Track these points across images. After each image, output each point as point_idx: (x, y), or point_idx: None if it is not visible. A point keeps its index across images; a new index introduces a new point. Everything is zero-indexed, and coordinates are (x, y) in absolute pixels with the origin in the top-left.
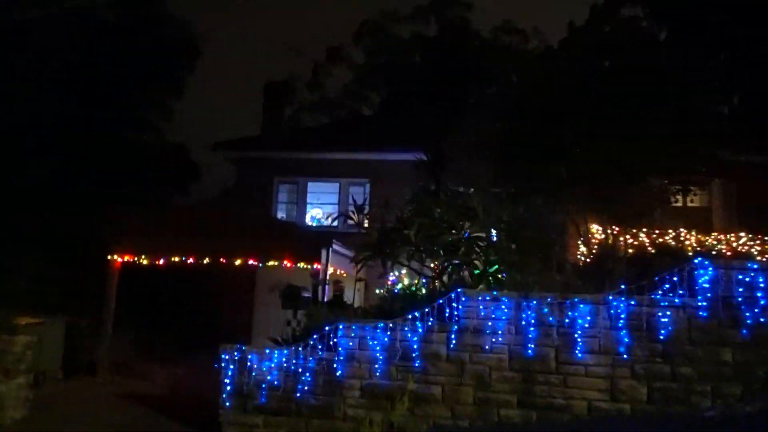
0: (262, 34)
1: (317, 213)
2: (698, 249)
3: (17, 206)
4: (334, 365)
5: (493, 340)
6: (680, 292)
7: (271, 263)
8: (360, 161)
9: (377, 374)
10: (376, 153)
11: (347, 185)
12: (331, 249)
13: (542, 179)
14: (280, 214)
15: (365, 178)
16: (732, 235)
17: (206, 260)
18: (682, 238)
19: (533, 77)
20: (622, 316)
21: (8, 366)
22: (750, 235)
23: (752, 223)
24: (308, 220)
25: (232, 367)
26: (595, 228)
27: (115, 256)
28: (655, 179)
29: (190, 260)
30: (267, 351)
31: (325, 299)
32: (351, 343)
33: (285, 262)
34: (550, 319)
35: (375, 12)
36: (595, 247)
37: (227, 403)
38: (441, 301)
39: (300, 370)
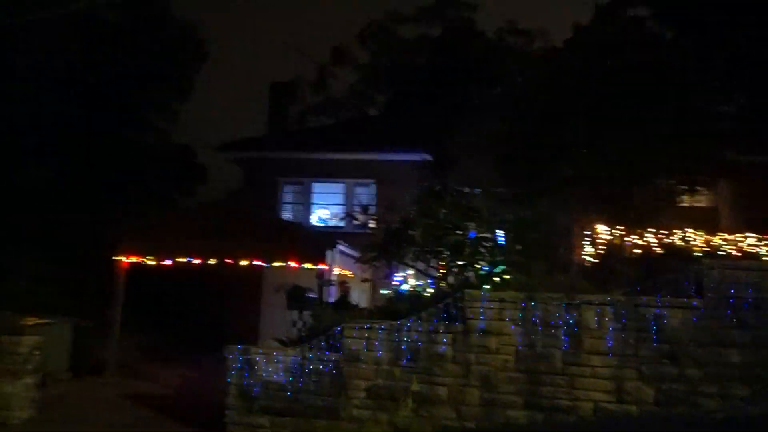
0: (267, 36)
1: (323, 214)
2: (705, 249)
3: (23, 207)
4: (340, 366)
5: (499, 341)
6: (687, 293)
7: (276, 264)
8: (365, 162)
9: (383, 375)
10: (381, 153)
11: (353, 186)
12: (336, 250)
13: (547, 180)
14: (286, 215)
15: (370, 179)
16: (739, 235)
17: (212, 261)
18: (688, 239)
19: (538, 78)
20: (629, 316)
21: (15, 366)
22: (757, 236)
23: (759, 224)
24: (314, 221)
25: (237, 367)
26: (600, 228)
27: (122, 257)
28: (661, 180)
29: (197, 261)
30: (273, 352)
31: (331, 300)
32: (356, 344)
33: (291, 263)
34: (556, 320)
35: (380, 13)
36: (601, 247)
37: (233, 404)
38: (446, 302)
39: (305, 370)
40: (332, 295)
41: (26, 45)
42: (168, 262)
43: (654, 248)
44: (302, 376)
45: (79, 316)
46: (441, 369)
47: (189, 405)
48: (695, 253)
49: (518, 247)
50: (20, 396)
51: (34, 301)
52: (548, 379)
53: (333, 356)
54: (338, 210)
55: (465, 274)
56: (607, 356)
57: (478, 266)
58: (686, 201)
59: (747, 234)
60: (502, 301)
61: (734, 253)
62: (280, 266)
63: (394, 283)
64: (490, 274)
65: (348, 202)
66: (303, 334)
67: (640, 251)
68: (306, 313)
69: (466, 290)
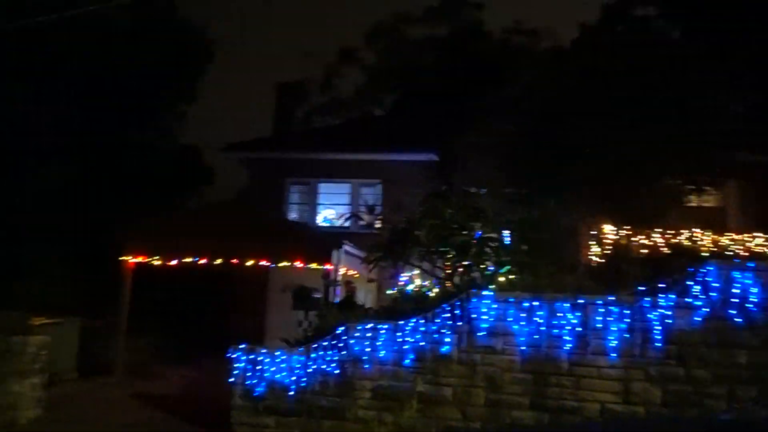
0: (274, 37)
1: (329, 214)
2: (713, 250)
3: (30, 208)
4: (345, 366)
5: (505, 341)
6: (694, 293)
7: (282, 264)
8: (371, 162)
9: (388, 375)
10: (387, 154)
11: (359, 186)
12: (342, 250)
13: (553, 180)
14: (292, 215)
15: (377, 179)
16: (747, 235)
17: (218, 261)
18: (696, 239)
19: (545, 78)
20: (635, 317)
21: (23, 366)
22: (765, 236)
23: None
24: (320, 221)
25: (243, 367)
26: (607, 229)
27: (129, 258)
28: (668, 180)
29: (203, 261)
30: (278, 352)
31: (337, 300)
32: (362, 344)
33: (297, 263)
34: (562, 320)
35: (387, 14)
36: (608, 247)
37: (239, 404)
38: (452, 302)
39: (311, 371)
40: (338, 295)
41: (41, 50)
42: (174, 263)
43: (661, 248)
44: (307, 376)
45: (86, 316)
46: (446, 369)
47: (195, 405)
48: (702, 254)
49: (524, 247)
50: (28, 395)
51: (42, 301)
52: (554, 379)
53: (338, 356)
54: (344, 210)
55: (471, 274)
56: (614, 357)
57: (484, 266)
58: (693, 201)
59: (755, 234)
60: (507, 301)
61: (742, 253)
62: (286, 266)
63: (399, 283)
64: (495, 275)
65: (354, 202)
66: (308, 334)
67: (647, 251)
68: (311, 313)
69: (472, 290)
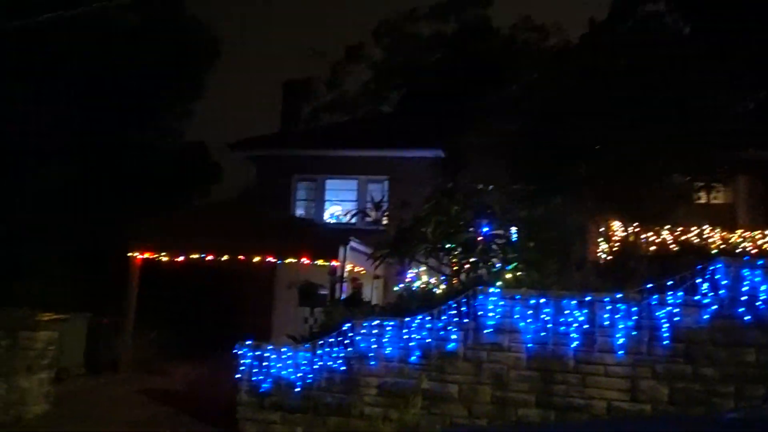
0: (281, 34)
1: (335, 210)
2: (722, 247)
3: (39, 206)
4: (351, 363)
5: (511, 338)
6: (702, 291)
7: (289, 261)
8: (378, 159)
9: (394, 372)
10: (394, 150)
11: (365, 183)
12: (348, 246)
13: (561, 177)
14: (299, 212)
15: (384, 176)
16: (757, 232)
17: (225, 258)
18: (705, 236)
19: (545, 78)
20: (643, 315)
21: (31, 362)
22: None
23: None
24: (326, 218)
25: (249, 364)
26: (615, 226)
27: (136, 254)
28: (677, 177)
29: (210, 258)
30: (284, 348)
31: (343, 296)
32: (367, 341)
33: (303, 260)
34: (569, 317)
35: (394, 11)
36: (616, 245)
37: (245, 400)
38: (458, 299)
39: (316, 367)
40: (344, 291)
41: (38, 47)
42: (181, 259)
43: (669, 246)
44: (313, 372)
45: (93, 312)
46: (452, 367)
47: (202, 401)
48: (711, 251)
49: (531, 244)
50: (36, 391)
51: (50, 297)
52: (561, 377)
53: (344, 353)
54: (351, 206)
55: (477, 271)
56: (621, 355)
57: (491, 263)
58: (702, 198)
59: (765, 231)
60: (514, 298)
61: (752, 250)
62: (293, 263)
63: (406, 279)
64: (502, 272)
65: (361, 198)
66: (314, 330)
67: (655, 248)
68: (317, 309)
69: (479, 287)
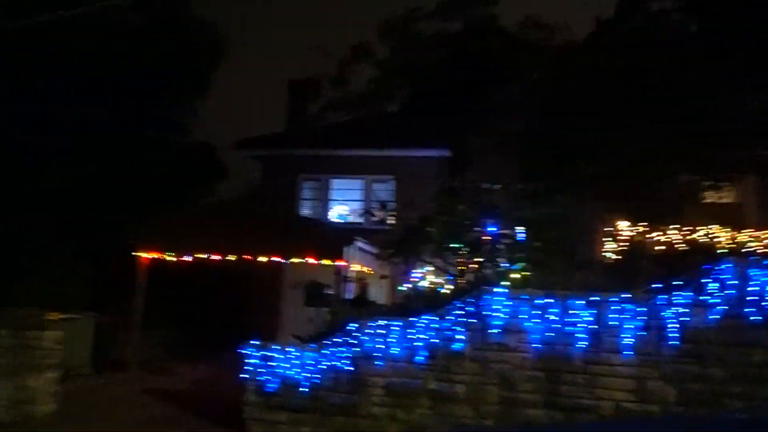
0: (286, 33)
1: (341, 210)
2: (729, 246)
3: (46, 205)
4: (357, 363)
5: (518, 338)
6: (710, 291)
7: (295, 260)
8: (384, 158)
9: (401, 372)
10: (400, 150)
11: (371, 182)
12: (354, 246)
13: (568, 176)
14: (305, 211)
15: (389, 175)
16: (765, 232)
17: (231, 257)
18: (712, 235)
19: (559, 73)
20: (650, 315)
21: (38, 361)
22: None
23: None
24: (332, 217)
25: (255, 364)
26: (622, 225)
27: (142, 254)
28: (684, 176)
29: (216, 257)
30: (290, 348)
31: (349, 296)
32: (374, 341)
33: (309, 260)
34: (576, 317)
35: (399, 10)
36: (623, 244)
37: (251, 400)
38: (464, 299)
39: (323, 367)
40: (350, 291)
41: (53, 48)
42: (188, 259)
43: (677, 245)
44: (320, 372)
45: (100, 312)
46: (459, 367)
47: (209, 401)
48: (719, 250)
49: (537, 244)
50: (43, 390)
51: (56, 296)
52: (568, 377)
53: (350, 353)
54: (357, 206)
55: (483, 271)
56: (628, 355)
57: (497, 263)
58: (710, 197)
59: None
60: (520, 298)
61: (760, 249)
62: (299, 262)
63: (412, 279)
64: (509, 271)
65: (366, 198)
66: (321, 330)
67: (662, 248)
68: (324, 309)
69: (485, 287)
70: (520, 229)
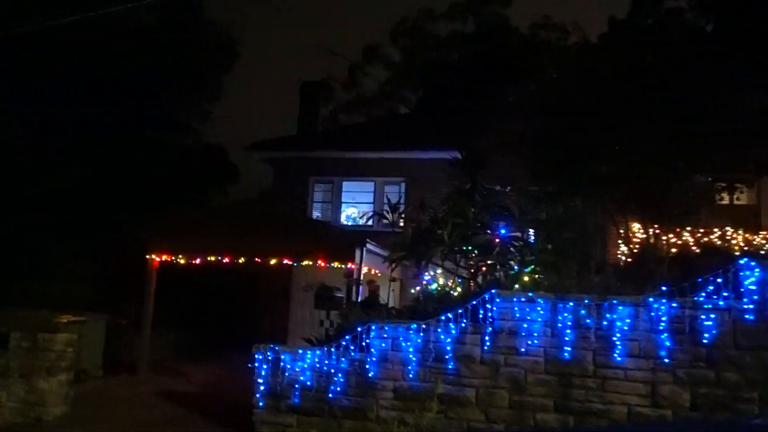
0: (299, 35)
1: (352, 212)
2: (745, 248)
3: (58, 207)
4: (367, 366)
5: (529, 342)
6: (725, 294)
7: (305, 263)
8: (395, 160)
9: (410, 376)
10: (411, 152)
11: (382, 184)
12: (365, 248)
13: (581, 178)
14: (316, 214)
15: (401, 178)
16: None
17: (242, 260)
18: (728, 237)
19: (572, 75)
20: (664, 318)
21: (50, 363)
22: None
23: None
24: (343, 220)
25: (265, 367)
26: (636, 227)
27: (153, 256)
28: (699, 177)
29: (226, 260)
30: (300, 351)
31: (359, 299)
32: (384, 344)
33: (319, 262)
34: (588, 321)
35: (412, 11)
36: (636, 246)
37: (261, 403)
38: (475, 302)
39: (333, 370)
40: (360, 294)
41: (62, 48)
42: (198, 261)
43: (691, 247)
44: (329, 375)
45: (111, 314)
46: (469, 370)
47: (219, 403)
48: (734, 252)
49: (549, 246)
50: (55, 392)
51: (69, 299)
52: (579, 381)
53: (360, 356)
54: (368, 208)
55: (494, 273)
56: (641, 359)
57: (508, 266)
58: (725, 199)
59: None
60: (532, 301)
61: None
62: (309, 265)
63: (423, 282)
64: (520, 274)
65: (377, 200)
66: (330, 333)
67: (676, 250)
68: (333, 312)
69: (496, 290)
70: (531, 231)
